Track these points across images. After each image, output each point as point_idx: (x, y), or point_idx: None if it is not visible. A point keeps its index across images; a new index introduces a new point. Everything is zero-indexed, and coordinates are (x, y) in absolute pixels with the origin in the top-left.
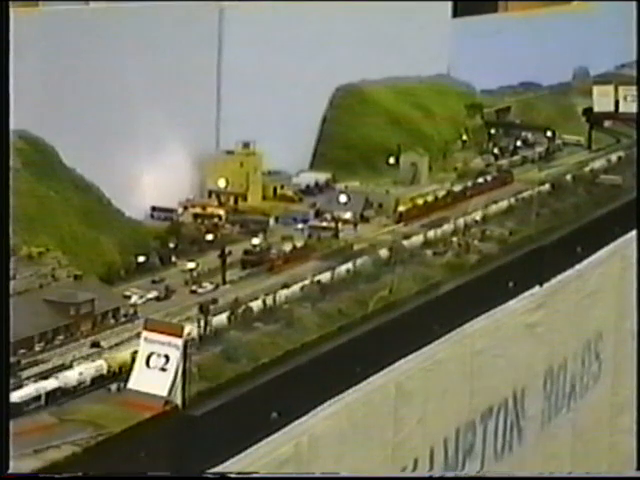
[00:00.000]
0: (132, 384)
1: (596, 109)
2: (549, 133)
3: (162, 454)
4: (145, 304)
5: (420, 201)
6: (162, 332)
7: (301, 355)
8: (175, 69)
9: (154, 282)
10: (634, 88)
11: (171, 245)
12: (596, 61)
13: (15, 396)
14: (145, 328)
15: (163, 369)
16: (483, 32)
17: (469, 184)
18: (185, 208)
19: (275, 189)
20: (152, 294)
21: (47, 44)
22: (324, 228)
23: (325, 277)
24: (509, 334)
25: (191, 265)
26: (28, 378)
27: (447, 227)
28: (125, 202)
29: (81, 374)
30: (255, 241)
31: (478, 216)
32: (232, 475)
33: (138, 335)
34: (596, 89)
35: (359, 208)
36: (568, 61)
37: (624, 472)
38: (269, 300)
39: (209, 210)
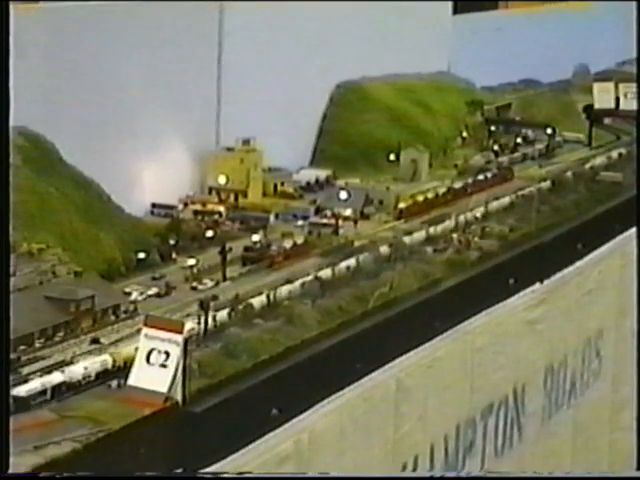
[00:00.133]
0: (132, 380)
1: (596, 106)
2: (549, 130)
3: (162, 450)
4: (145, 300)
5: (420, 198)
6: (162, 328)
7: (301, 352)
8: (175, 66)
9: (154, 279)
10: (634, 85)
11: (171, 242)
12: (596, 58)
13: (21, 390)
14: (145, 324)
15: (163, 365)
16: (483, 29)
17: (469, 181)
18: (185, 205)
19: (275, 186)
20: (152, 291)
21: (47, 41)
22: (324, 225)
23: (325, 274)
24: (509, 331)
25: (191, 262)
26: (28, 374)
27: (447, 224)
28: (125, 199)
29: (86, 369)
30: (255, 238)
31: (478, 213)
32: (227, 475)
33: (138, 331)
34: (596, 86)
35: (359, 205)
36: (568, 58)
37: (624, 471)
38: (269, 297)
39: (209, 207)
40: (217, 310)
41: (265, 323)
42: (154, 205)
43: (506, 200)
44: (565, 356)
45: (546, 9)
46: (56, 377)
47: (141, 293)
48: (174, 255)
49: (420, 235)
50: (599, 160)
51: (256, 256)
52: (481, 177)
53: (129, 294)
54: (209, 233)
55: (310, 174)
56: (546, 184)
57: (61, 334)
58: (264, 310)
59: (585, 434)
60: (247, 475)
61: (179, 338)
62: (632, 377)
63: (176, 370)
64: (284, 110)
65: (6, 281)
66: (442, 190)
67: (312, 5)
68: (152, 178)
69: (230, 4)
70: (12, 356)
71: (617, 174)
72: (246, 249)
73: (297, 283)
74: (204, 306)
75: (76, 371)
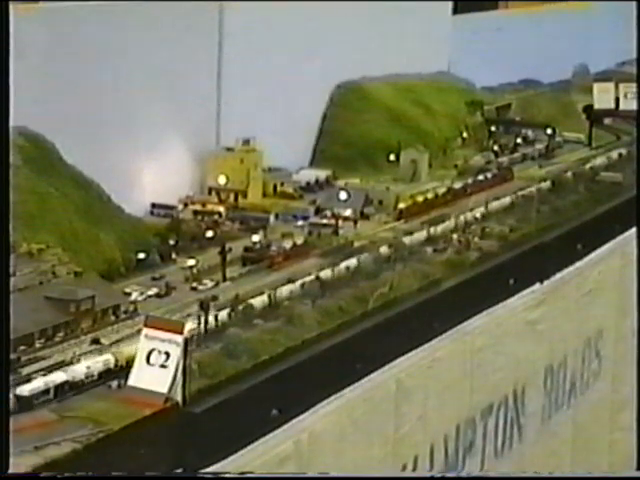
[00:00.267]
0: (132, 381)
1: (596, 106)
2: (549, 130)
3: (162, 451)
4: (145, 301)
5: (420, 198)
6: (162, 329)
7: (301, 352)
8: (175, 66)
9: (154, 279)
10: (634, 85)
11: (171, 242)
12: (596, 58)
13: (24, 389)
14: (145, 325)
15: (163, 366)
16: (483, 29)
17: (469, 181)
18: (185, 205)
19: (275, 186)
20: (152, 291)
21: (47, 41)
22: (324, 225)
23: (325, 274)
24: (509, 331)
25: (191, 262)
26: (29, 375)
27: (447, 224)
28: (125, 199)
29: (89, 368)
30: (255, 238)
31: (478, 213)
32: (228, 475)
33: (138, 332)
34: (596, 86)
35: (359, 205)
36: (568, 58)
37: (624, 472)
38: (269, 297)
39: (209, 207)
40: (217, 310)
41: (265, 323)
42: (154, 205)
43: (506, 200)
44: (565, 356)
45: (546, 9)
46: (59, 376)
47: (141, 293)
48: (174, 255)
49: (420, 235)
50: (599, 160)
51: (256, 256)
52: (481, 177)
53: (129, 294)
54: (209, 233)
55: (310, 174)
56: (546, 184)
57: (61, 334)
58: (264, 310)
59: (585, 434)
60: (248, 475)
61: (179, 338)
62: (632, 377)
63: (176, 370)
64: (284, 110)
65: (6, 281)
66: (442, 190)
67: (312, 5)
68: (152, 178)
69: (230, 4)
70: (12, 356)
71: (617, 174)
72: (246, 249)
73: (297, 283)
74: (204, 306)
75: (79, 370)
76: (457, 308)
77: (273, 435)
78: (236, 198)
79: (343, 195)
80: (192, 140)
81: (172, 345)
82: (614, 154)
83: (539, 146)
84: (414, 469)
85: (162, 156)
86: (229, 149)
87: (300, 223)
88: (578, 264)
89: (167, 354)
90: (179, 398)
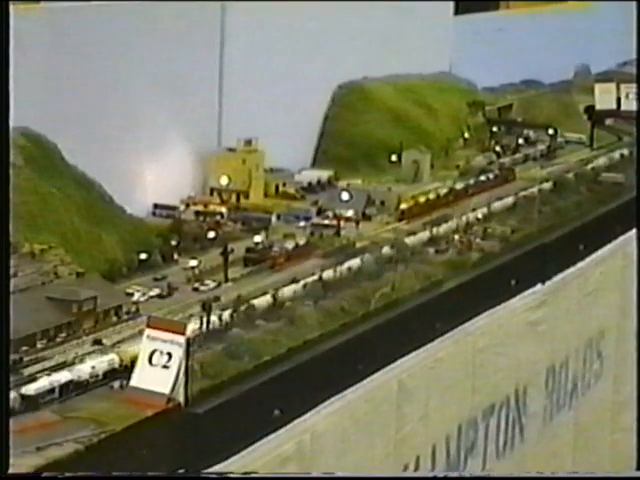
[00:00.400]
0: (135, 381)
1: (598, 107)
2: (551, 131)
3: (164, 452)
4: (147, 301)
5: (422, 199)
6: (165, 330)
7: (303, 352)
8: (177, 66)
9: (156, 279)
10: (636, 86)
11: (173, 242)
12: (598, 59)
13: (30, 389)
14: (148, 326)
15: (166, 366)
16: (485, 30)
17: (471, 182)
18: (187, 205)
19: (277, 186)
20: (154, 291)
21: (49, 41)
22: (326, 226)
23: (327, 275)
24: (511, 332)
25: (193, 262)
26: (31, 375)
27: (449, 225)
28: (127, 199)
29: (94, 367)
30: (257, 239)
31: (480, 214)
32: (233, 475)
33: (140, 332)
34: (598, 87)
35: (361, 206)
36: (570, 59)
37: (624, 472)
38: (271, 298)
39: (211, 207)
40: (219, 311)
41: (267, 324)
42: (156, 206)
43: (508, 201)
44: (566, 357)
45: (547, 9)
46: (64, 376)
47: (143, 294)
48: (176, 256)
49: (422, 236)
50: (601, 161)
51: (258, 257)
52: (483, 178)
53: (131, 295)
54: (211, 234)
55: (312, 175)
56: (548, 185)
57: (63, 335)
58: (266, 311)
59: (587, 435)
60: (251, 475)
61: (181, 339)
62: (634, 378)
63: (178, 371)
64: (286, 110)
65: (6, 281)
66: (444, 191)
67: (314, 5)
68: (154, 179)
69: (232, 4)
70: (15, 357)
71: (619, 175)
72: (248, 250)
73: (299, 284)
74: (206, 307)
75: (84, 370)
76: (459, 309)
77: (275, 435)
78: (238, 199)
79: (345, 196)
80: (194, 140)
81: (174, 346)
82: (616, 155)
83: (541, 147)
84: (416, 469)
85: (164, 156)
86: (231, 149)
87: (302, 224)
88: (580, 265)
89: (169, 355)
90: (181, 399)
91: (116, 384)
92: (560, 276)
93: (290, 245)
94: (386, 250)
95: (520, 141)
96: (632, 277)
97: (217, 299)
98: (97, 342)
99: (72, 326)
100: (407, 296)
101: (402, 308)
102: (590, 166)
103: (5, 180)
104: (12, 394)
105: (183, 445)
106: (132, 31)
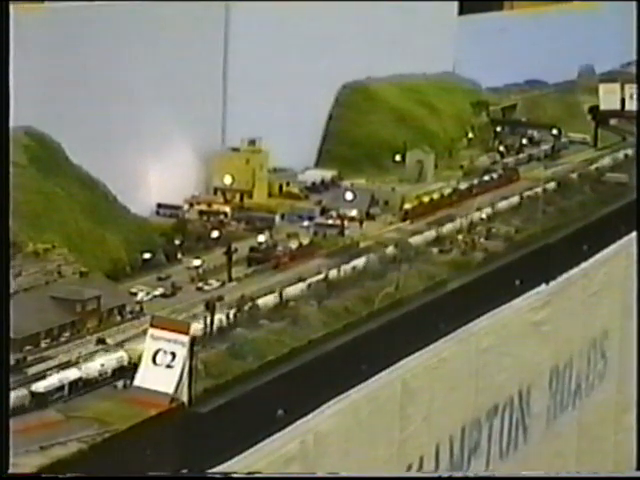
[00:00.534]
0: (138, 381)
1: (602, 107)
2: (555, 131)
3: (168, 451)
4: (151, 301)
5: (426, 199)
6: (168, 329)
7: (307, 352)
8: (181, 66)
9: (160, 279)
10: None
11: (177, 242)
12: (602, 59)
13: (40, 386)
14: (151, 325)
15: (169, 366)
16: (489, 30)
17: (475, 182)
18: (191, 205)
19: (281, 186)
20: (158, 291)
21: (52, 41)
22: (330, 225)
23: (331, 274)
24: (515, 332)
25: (197, 262)
26: (35, 375)
27: (453, 225)
28: (131, 199)
29: (103, 365)
30: (261, 238)
31: (484, 214)
32: (236, 475)
33: (144, 332)
34: (602, 87)
35: (365, 206)
36: (574, 59)
37: (625, 472)
38: (275, 297)
39: (215, 207)
40: (223, 310)
41: (271, 324)
42: (160, 205)
43: (512, 201)
44: (570, 357)
45: (552, 9)
46: (73, 373)
47: (147, 293)
48: (180, 255)
49: (426, 236)
50: (605, 161)
51: (262, 257)
52: (487, 178)
53: (135, 294)
54: (215, 233)
55: (315, 174)
56: (552, 185)
57: (67, 334)
58: (270, 311)
59: (590, 435)
60: (255, 475)
61: (185, 339)
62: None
63: (182, 371)
64: (290, 110)
65: (6, 281)
66: (448, 191)
67: (318, 5)
68: (158, 178)
69: (236, 4)
70: (18, 356)
71: (623, 175)
72: (252, 249)
73: (303, 284)
74: (210, 307)
75: (93, 367)
76: (462, 309)
77: (279, 435)
78: (242, 198)
79: (349, 195)
80: (198, 140)
81: (178, 345)
82: (620, 155)
83: (545, 147)
84: (419, 469)
85: (168, 156)
86: (235, 149)
87: (306, 223)
88: (583, 265)
89: (173, 354)
90: (185, 398)
91: (120, 383)
92: (564, 276)
93: (294, 245)
94: (390, 250)
95: (524, 141)
96: (636, 277)
97: (221, 299)
98: (101, 341)
99: (76, 325)
100: (411, 296)
101: (406, 308)
102: (594, 166)
103: (5, 180)
104: (21, 392)
105: (187, 445)
106: (136, 31)
